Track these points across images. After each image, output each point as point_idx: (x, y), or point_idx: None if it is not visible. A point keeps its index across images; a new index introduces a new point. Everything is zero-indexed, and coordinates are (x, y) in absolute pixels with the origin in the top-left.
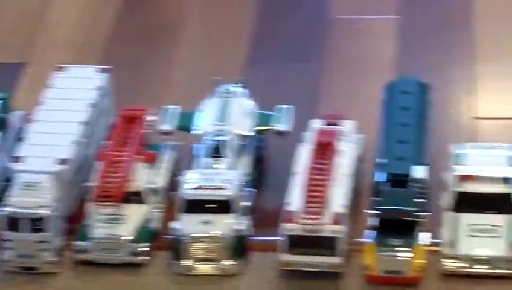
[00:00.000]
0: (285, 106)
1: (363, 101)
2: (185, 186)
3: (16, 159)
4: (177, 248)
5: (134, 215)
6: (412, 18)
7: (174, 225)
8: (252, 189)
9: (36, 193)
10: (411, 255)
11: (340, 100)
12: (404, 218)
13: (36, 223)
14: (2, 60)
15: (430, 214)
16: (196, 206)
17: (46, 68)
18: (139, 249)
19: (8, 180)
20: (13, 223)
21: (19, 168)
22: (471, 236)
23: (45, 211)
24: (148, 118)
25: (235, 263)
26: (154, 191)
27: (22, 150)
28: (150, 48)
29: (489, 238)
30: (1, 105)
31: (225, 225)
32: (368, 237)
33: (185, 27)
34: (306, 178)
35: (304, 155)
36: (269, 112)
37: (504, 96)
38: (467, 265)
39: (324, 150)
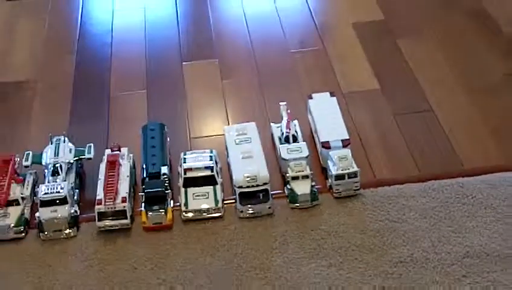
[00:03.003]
0: (89, 144)
1: (131, 138)
2: (40, 192)
3: None
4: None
5: (14, 212)
6: (155, 90)
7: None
8: (76, 189)
9: None
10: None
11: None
12: (161, 194)
13: None
14: None
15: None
16: (48, 203)
17: None
18: (18, 230)
19: None
20: None
21: None
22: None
23: None
24: (16, 159)
25: (71, 230)
26: (23, 198)
27: None
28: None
29: None
30: None
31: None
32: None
33: None
34: (105, 180)
35: (102, 168)
36: (81, 148)
37: (209, 121)
38: None
39: (113, 164)
